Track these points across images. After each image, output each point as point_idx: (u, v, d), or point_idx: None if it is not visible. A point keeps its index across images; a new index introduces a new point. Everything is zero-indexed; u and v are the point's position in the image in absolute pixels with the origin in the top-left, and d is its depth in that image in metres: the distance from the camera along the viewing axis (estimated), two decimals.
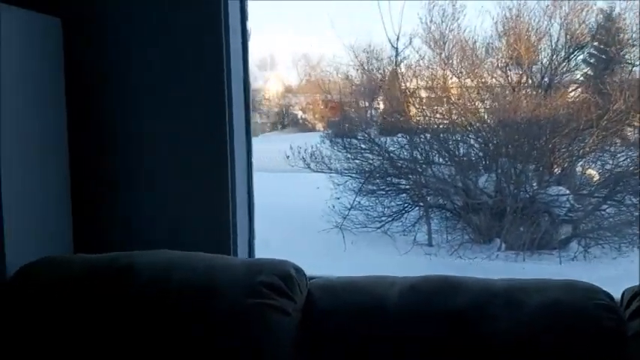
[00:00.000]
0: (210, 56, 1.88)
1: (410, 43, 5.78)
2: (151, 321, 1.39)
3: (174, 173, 1.93)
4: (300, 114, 9.00)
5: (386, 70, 6.02)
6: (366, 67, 6.14)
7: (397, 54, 5.77)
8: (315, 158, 5.99)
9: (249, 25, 2.02)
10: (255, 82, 9.46)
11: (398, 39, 5.76)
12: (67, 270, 1.52)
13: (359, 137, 5.99)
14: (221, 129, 1.89)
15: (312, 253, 5.10)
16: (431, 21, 5.66)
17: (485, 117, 5.71)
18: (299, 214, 5.89)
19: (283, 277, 1.46)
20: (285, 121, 9.34)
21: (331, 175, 5.86)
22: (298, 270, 1.53)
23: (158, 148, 1.94)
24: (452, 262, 5.08)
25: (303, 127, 8.35)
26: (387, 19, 5.73)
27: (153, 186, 1.94)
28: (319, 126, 8.39)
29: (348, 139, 6.05)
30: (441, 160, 5.77)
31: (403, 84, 5.90)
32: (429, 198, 5.82)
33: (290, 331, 1.41)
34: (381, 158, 5.86)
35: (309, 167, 5.71)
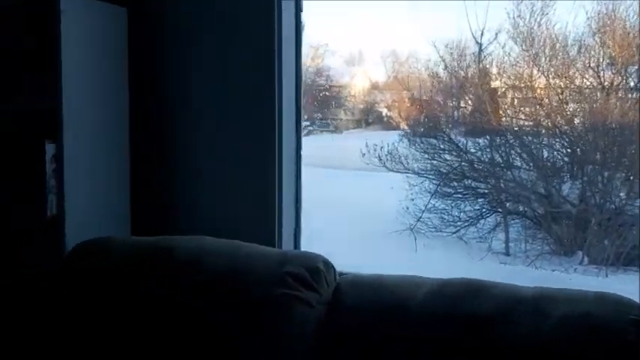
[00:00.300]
0: (262, 50, 1.94)
1: (495, 38, 5.62)
2: (182, 302, 1.46)
3: (226, 164, 2.01)
4: (385, 111, 8.97)
5: (469, 68, 5.88)
6: (448, 65, 6.03)
7: (480, 50, 5.62)
8: (392, 157, 5.95)
9: (303, 17, 2.06)
10: (342, 78, 9.53)
11: (482, 34, 5.62)
12: (114, 250, 1.62)
13: (438, 137, 5.90)
14: (270, 123, 1.95)
15: (381, 253, 5.09)
16: (519, 16, 5.47)
17: (574, 120, 5.47)
18: (371, 213, 5.88)
19: (310, 270, 1.49)
20: (369, 118, 9.34)
21: (407, 175, 5.80)
22: (327, 264, 1.55)
23: (212, 138, 2.02)
24: (527, 273, 4.91)
25: (388, 124, 8.31)
26: (471, 14, 5.60)
27: (205, 177, 2.03)
28: (404, 124, 8.31)
29: (427, 139, 5.97)
30: (523, 164, 5.59)
31: (487, 82, 5.76)
32: (508, 204, 5.65)
33: (312, 323, 1.44)
34: (459, 160, 5.74)
35: (384, 166, 5.68)
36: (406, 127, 7.54)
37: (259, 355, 1.41)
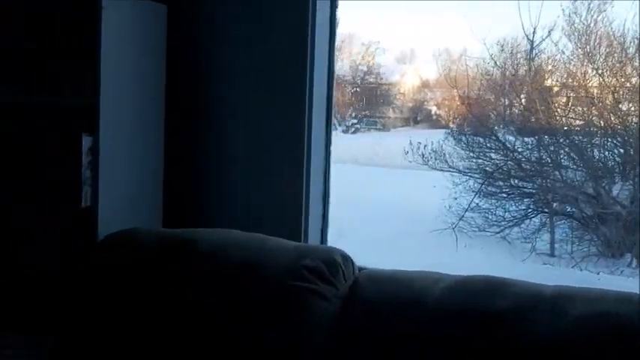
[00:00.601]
0: (295, 47, 1.96)
1: (548, 35, 5.49)
2: (201, 294, 1.49)
3: (257, 160, 2.05)
4: (434, 109, 8.88)
5: (522, 66, 5.76)
6: (499, 63, 5.92)
7: (532, 48, 5.51)
8: (437, 155, 5.89)
9: (338, 14, 2.07)
10: (392, 76, 9.49)
11: (534, 32, 5.50)
12: (139, 242, 1.68)
13: (484, 135, 5.81)
14: (299, 119, 1.98)
15: (421, 252, 5.06)
16: (574, 12, 5.33)
17: (628, 119, 5.30)
18: (413, 212, 5.84)
19: (328, 263, 1.51)
20: (418, 116, 9.27)
21: (452, 174, 5.74)
22: (346, 258, 1.57)
23: (244, 134, 2.07)
24: (571, 274, 4.79)
25: (437, 123, 8.23)
26: (525, 12, 5.48)
27: (236, 172, 2.08)
28: (453, 123, 8.21)
29: (473, 137, 5.89)
30: (571, 164, 5.45)
31: (538, 81, 5.64)
32: (555, 204, 5.53)
33: (327, 316, 1.45)
34: (505, 158, 5.64)
35: (427, 164, 5.63)
36: (454, 126, 7.44)
37: (275, 347, 1.43)
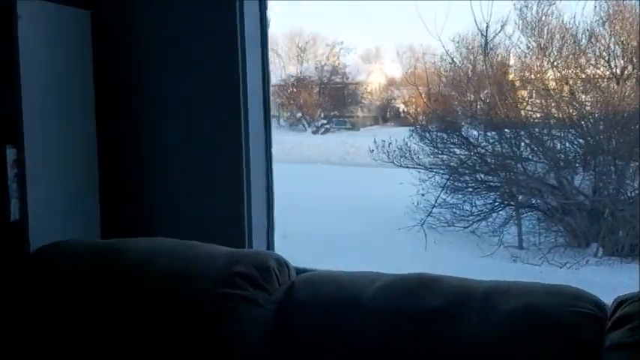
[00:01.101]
0: (224, 49, 1.93)
1: (501, 29, 5.53)
2: (131, 304, 1.45)
3: (194, 166, 2.01)
4: (402, 107, 8.92)
5: (478, 61, 5.80)
6: (459, 60, 5.95)
7: (486, 42, 5.54)
8: (402, 153, 5.90)
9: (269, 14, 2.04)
10: (359, 76, 9.51)
11: (488, 26, 5.53)
12: (69, 253, 1.63)
13: (448, 131, 5.83)
14: (235, 122, 1.94)
15: (390, 250, 5.05)
16: (526, 6, 5.38)
17: (585, 110, 5.35)
18: (381, 209, 5.84)
19: (260, 269, 1.47)
20: (387, 114, 9.29)
21: (419, 170, 5.75)
22: (281, 262, 1.53)
23: (179, 139, 2.02)
24: (538, 267, 4.81)
25: (405, 120, 8.26)
26: (476, 6, 5.51)
27: (175, 178, 2.03)
28: (421, 120, 8.25)
29: (436, 133, 5.91)
30: (533, 156, 5.49)
31: (495, 75, 5.67)
32: (520, 197, 5.56)
33: (260, 322, 1.42)
34: (468, 153, 5.67)
35: (392, 162, 5.64)
36: (424, 123, 7.46)
37: (206, 355, 1.39)
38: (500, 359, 1.25)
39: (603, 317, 1.26)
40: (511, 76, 5.86)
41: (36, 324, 1.51)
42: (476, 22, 5.70)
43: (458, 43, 6.02)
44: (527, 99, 5.73)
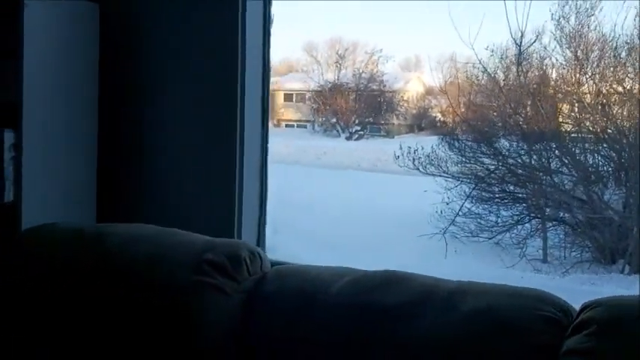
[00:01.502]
0: (225, 47, 1.95)
1: (536, 39, 5.43)
2: (107, 285, 1.48)
3: (190, 156, 2.04)
4: (438, 116, 8.84)
5: (509, 71, 5.71)
6: (490, 69, 5.88)
7: (520, 52, 5.44)
8: (430, 160, 5.86)
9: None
10: (397, 84, 9.48)
11: (522, 36, 5.43)
12: (56, 236, 1.66)
13: (479, 140, 5.76)
14: (231, 118, 1.96)
15: (408, 257, 5.00)
16: (562, 17, 5.27)
17: (620, 124, 5.21)
18: (404, 216, 5.79)
19: (231, 258, 1.48)
20: (422, 123, 9.23)
21: (446, 179, 5.69)
22: (253, 253, 1.54)
23: (177, 129, 2.06)
24: (560, 280, 4.70)
25: (440, 130, 8.19)
26: (511, 16, 5.42)
27: (171, 168, 2.07)
28: (459, 129, 8.16)
29: (466, 142, 5.86)
30: (564, 169, 5.38)
31: (531, 86, 5.57)
32: (547, 210, 5.44)
33: (227, 311, 1.43)
34: (496, 163, 5.58)
35: (418, 169, 5.59)
36: (460, 133, 7.39)
37: (171, 342, 1.41)
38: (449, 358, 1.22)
39: (567, 322, 1.23)
40: (546, 88, 5.76)
41: (12, 306, 1.55)
42: (510, 32, 5.61)
43: (492, 52, 5.94)
44: (561, 111, 5.61)
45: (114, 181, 2.09)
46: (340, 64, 9.61)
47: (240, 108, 1.94)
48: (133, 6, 2.05)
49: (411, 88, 9.48)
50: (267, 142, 2.08)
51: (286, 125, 9.61)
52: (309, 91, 9.34)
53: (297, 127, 9.47)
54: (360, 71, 9.31)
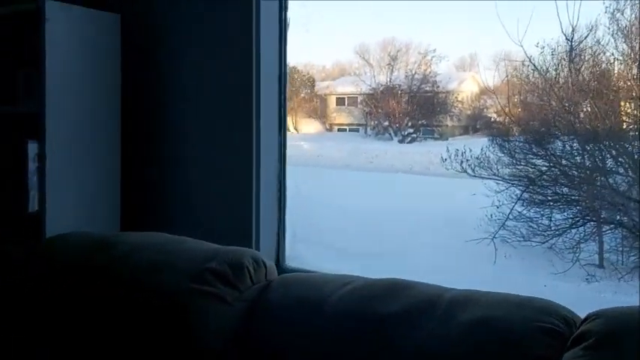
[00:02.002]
0: (240, 52, 1.96)
1: (588, 35, 5.22)
2: (108, 294, 1.50)
3: (209, 165, 2.05)
4: (493, 117, 8.63)
5: (562, 67, 5.51)
6: (539, 66, 5.70)
7: (572, 48, 5.25)
8: (480, 162, 5.73)
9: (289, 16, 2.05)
10: (450, 84, 9.32)
11: (574, 32, 5.24)
12: (72, 245, 1.71)
13: (530, 141, 5.60)
14: (247, 124, 1.96)
15: (454, 263, 4.89)
16: (617, 9, 5.06)
17: None
18: (451, 221, 5.68)
19: (234, 266, 1.48)
20: (477, 124, 9.04)
21: (497, 182, 5.55)
22: (258, 261, 1.53)
23: (197, 139, 2.07)
24: (615, 285, 4.50)
25: (496, 130, 8.00)
26: (562, 11, 5.24)
27: (192, 178, 2.08)
28: (514, 130, 7.96)
29: (519, 143, 5.70)
30: (620, 169, 5.15)
31: (584, 84, 5.37)
32: (602, 213, 5.22)
33: (227, 319, 1.44)
34: (548, 164, 5.40)
35: (465, 172, 5.46)
36: (516, 134, 7.20)
37: (169, 348, 1.41)
38: None
39: (569, 334, 1.16)
40: (600, 84, 5.53)
41: (24, 309, 1.59)
42: (562, 27, 5.42)
43: (542, 49, 5.75)
44: (617, 108, 5.38)
45: (137, 190, 2.13)
46: (392, 66, 9.53)
47: (255, 115, 1.94)
48: (153, 17, 2.09)
49: (466, 88, 9.29)
50: (285, 149, 2.08)
51: (338, 129, 9.60)
52: (360, 94, 9.31)
53: (350, 130, 9.45)
54: (413, 72, 9.20)
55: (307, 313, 1.38)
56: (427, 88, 9.37)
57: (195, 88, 2.05)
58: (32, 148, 1.86)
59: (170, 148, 2.10)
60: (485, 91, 9.62)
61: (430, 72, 9.40)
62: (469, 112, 9.65)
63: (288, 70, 2.08)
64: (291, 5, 1.96)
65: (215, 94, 2.01)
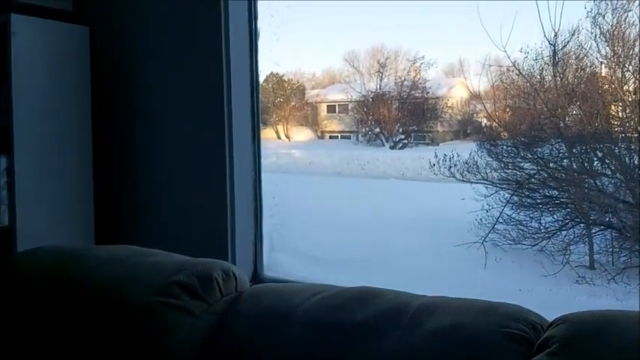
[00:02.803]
0: (210, 62, 1.94)
1: (570, 39, 5.24)
2: (74, 310, 1.48)
3: (182, 177, 2.03)
4: (484, 122, 8.65)
5: (544, 72, 5.53)
6: (524, 71, 5.71)
7: (555, 52, 5.26)
8: (469, 167, 5.73)
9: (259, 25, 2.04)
10: (440, 90, 9.34)
11: (556, 36, 5.26)
12: (41, 259, 1.68)
13: (516, 145, 5.61)
14: (219, 134, 1.94)
15: (445, 268, 4.88)
16: (599, 14, 5.08)
17: None
18: (444, 225, 5.67)
19: (202, 278, 1.46)
20: (467, 129, 9.06)
21: (486, 186, 5.55)
22: (228, 273, 1.51)
23: (170, 150, 2.05)
24: (606, 287, 4.49)
25: (487, 135, 8.01)
26: (544, 15, 5.26)
27: (164, 188, 2.06)
28: (505, 134, 7.97)
29: (506, 147, 5.71)
30: (607, 171, 5.16)
31: (569, 87, 5.39)
32: (592, 214, 5.22)
33: (195, 333, 1.41)
34: (536, 167, 5.41)
35: (454, 177, 5.46)
36: (499, 138, 7.21)
37: None
38: None
39: (536, 339, 1.14)
40: (585, 88, 5.54)
41: None
42: (544, 32, 5.44)
43: (526, 54, 5.77)
44: (602, 111, 5.39)
45: (111, 203, 2.11)
46: (382, 73, 9.56)
47: (227, 126, 1.93)
48: (123, 29, 2.07)
49: (455, 93, 9.31)
50: (260, 158, 2.06)
51: (330, 137, 9.61)
52: (351, 101, 9.32)
53: (341, 137, 9.45)
54: (403, 79, 9.23)
55: (276, 324, 1.36)
56: (417, 95, 9.40)
57: (166, 100, 2.04)
58: (1, 162, 1.84)
59: (143, 159, 2.08)
60: (474, 97, 9.64)
61: (419, 78, 9.44)
62: (459, 118, 9.67)
63: (260, 80, 2.07)
64: (264, 16, 1.95)
65: (186, 106, 2.00)
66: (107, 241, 1.89)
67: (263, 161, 2.02)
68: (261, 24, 1.93)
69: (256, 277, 2.01)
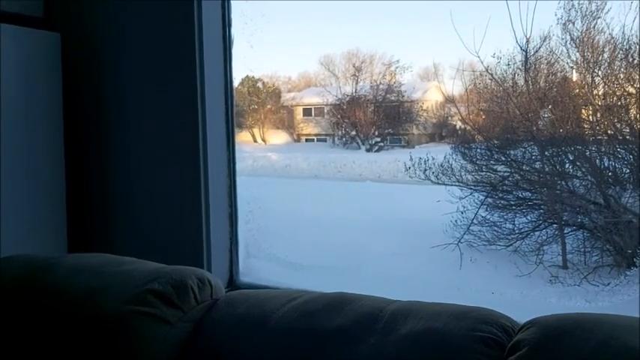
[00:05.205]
0: (183, 67, 1.94)
1: (541, 45, 5.33)
2: (46, 320, 1.46)
3: (157, 182, 2.02)
4: (459, 125, 8.74)
5: (516, 77, 5.61)
6: (497, 76, 5.79)
7: (527, 58, 5.35)
8: (443, 170, 5.79)
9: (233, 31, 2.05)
10: (415, 93, 9.41)
11: (528, 42, 5.34)
12: (14, 268, 1.65)
13: (491, 148, 5.69)
14: (193, 139, 1.94)
15: (421, 269, 4.92)
16: (569, 20, 5.18)
17: (637, 126, 5.07)
18: (420, 227, 5.71)
19: (177, 286, 1.46)
20: (442, 132, 9.14)
21: (461, 188, 5.61)
22: (203, 280, 1.50)
23: (143, 155, 2.04)
24: (577, 287, 4.57)
25: (461, 138, 8.10)
26: (516, 21, 5.34)
27: (138, 194, 2.05)
28: (479, 137, 8.06)
29: (480, 150, 5.78)
30: (578, 173, 5.25)
31: (541, 91, 5.47)
32: (564, 215, 5.31)
33: (170, 341, 1.40)
34: (509, 170, 5.48)
35: (428, 179, 5.52)
36: (473, 141, 7.29)
37: None
38: None
39: (507, 343, 1.16)
40: (556, 92, 5.64)
41: None
42: (516, 38, 5.52)
43: (499, 59, 5.86)
44: (573, 115, 5.49)
45: (84, 210, 2.09)
46: (357, 77, 9.61)
47: (202, 131, 1.92)
48: (95, 36, 2.06)
49: (430, 97, 9.40)
50: (234, 164, 2.06)
51: (306, 140, 9.62)
52: (327, 104, 9.35)
53: (317, 140, 9.47)
54: (378, 83, 9.29)
55: (250, 331, 1.36)
56: (392, 98, 9.47)
57: (139, 107, 2.03)
58: None
59: (116, 166, 2.07)
60: (449, 100, 9.73)
61: (395, 82, 9.51)
62: (434, 121, 9.76)
63: (235, 84, 2.07)
64: (238, 23, 1.96)
65: (160, 112, 1.99)
66: (80, 250, 1.87)
67: (239, 164, 2.03)
68: (235, 31, 1.94)
69: (232, 283, 2.01)
